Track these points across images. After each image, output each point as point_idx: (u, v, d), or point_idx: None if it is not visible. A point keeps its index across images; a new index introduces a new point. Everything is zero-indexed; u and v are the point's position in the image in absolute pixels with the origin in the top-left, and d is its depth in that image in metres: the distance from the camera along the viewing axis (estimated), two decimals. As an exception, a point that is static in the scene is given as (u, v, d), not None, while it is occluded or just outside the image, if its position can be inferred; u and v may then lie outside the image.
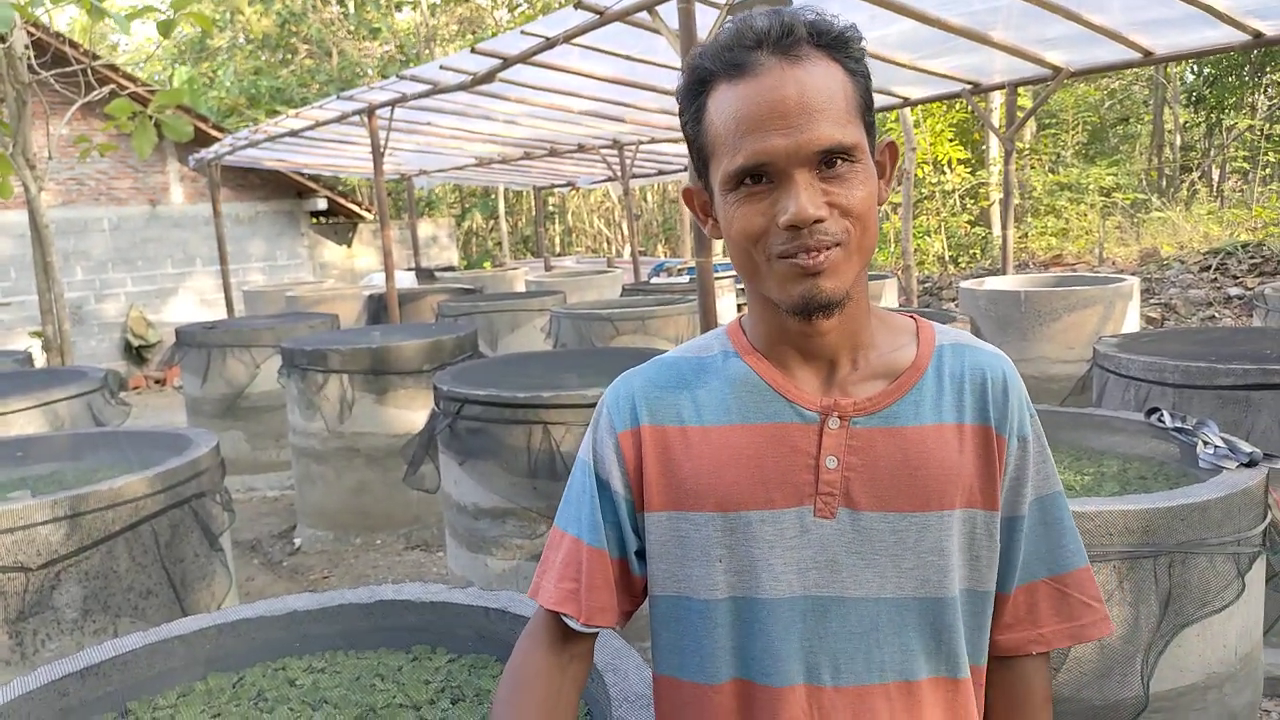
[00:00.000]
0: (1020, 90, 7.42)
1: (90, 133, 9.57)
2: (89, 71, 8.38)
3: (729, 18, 0.92)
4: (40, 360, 8.08)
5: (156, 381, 11.98)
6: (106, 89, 7.94)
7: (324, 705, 1.57)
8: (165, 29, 7.17)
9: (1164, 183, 16.82)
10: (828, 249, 0.87)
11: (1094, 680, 2.04)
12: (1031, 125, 16.43)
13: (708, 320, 4.02)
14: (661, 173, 13.06)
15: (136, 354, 12.20)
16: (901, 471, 0.94)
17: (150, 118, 7.33)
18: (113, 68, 10.97)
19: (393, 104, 6.98)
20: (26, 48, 6.92)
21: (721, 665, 0.97)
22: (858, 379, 0.97)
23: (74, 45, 11.01)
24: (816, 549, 0.94)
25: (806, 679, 0.95)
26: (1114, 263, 12.89)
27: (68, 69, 8.02)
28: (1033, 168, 16.61)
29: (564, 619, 1.00)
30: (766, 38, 0.87)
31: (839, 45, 0.90)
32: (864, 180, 0.89)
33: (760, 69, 0.87)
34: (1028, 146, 16.61)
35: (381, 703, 1.56)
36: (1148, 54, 6.06)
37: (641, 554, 1.03)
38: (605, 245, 23.78)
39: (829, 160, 0.87)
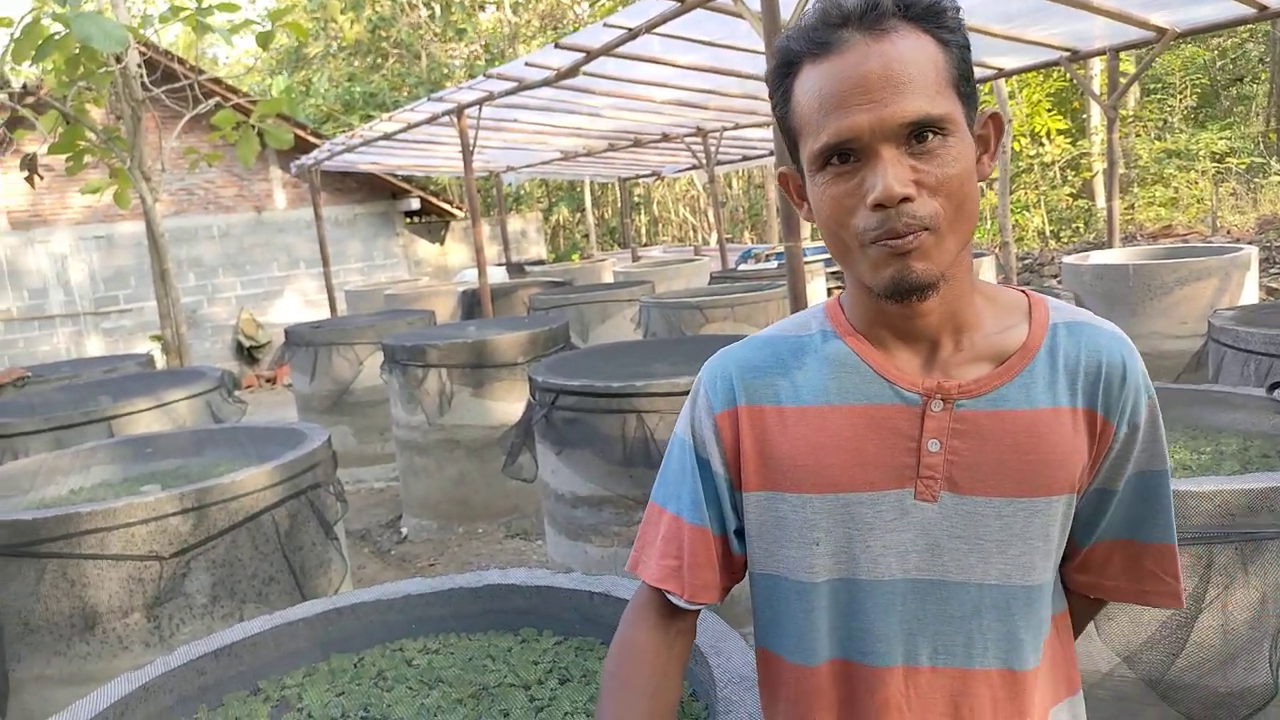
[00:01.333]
0: (1123, 55, 7.09)
1: (198, 144, 10.05)
2: (195, 86, 8.80)
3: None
4: (160, 362, 8.55)
5: (268, 380, 12.54)
6: (212, 101, 8.32)
7: (440, 684, 1.63)
8: (264, 40, 7.47)
9: (1284, 145, 15.83)
10: (916, 233, 0.84)
11: (1218, 667, 1.96)
12: (1135, 91, 15.68)
13: (797, 305, 3.98)
14: (746, 158, 12.95)
15: (248, 354, 12.78)
16: (1010, 456, 0.92)
17: (253, 127, 7.67)
18: (217, 81, 11.50)
19: (480, 103, 7.12)
20: (140, 66, 7.31)
21: (819, 646, 0.97)
22: (962, 360, 0.94)
23: (181, 61, 11.58)
24: (917, 532, 0.93)
25: (905, 660, 0.94)
26: (1229, 232, 12.22)
27: (176, 84, 8.44)
28: (1138, 135, 15.86)
29: (668, 596, 1.01)
30: (852, 15, 0.86)
31: (930, 15, 0.86)
32: (958, 155, 0.86)
33: (844, 46, 0.85)
34: (1132, 113, 15.86)
35: (494, 682, 1.62)
36: (1262, 9, 5.71)
37: (741, 532, 1.03)
38: (691, 234, 23.74)
39: (919, 134, 0.84)
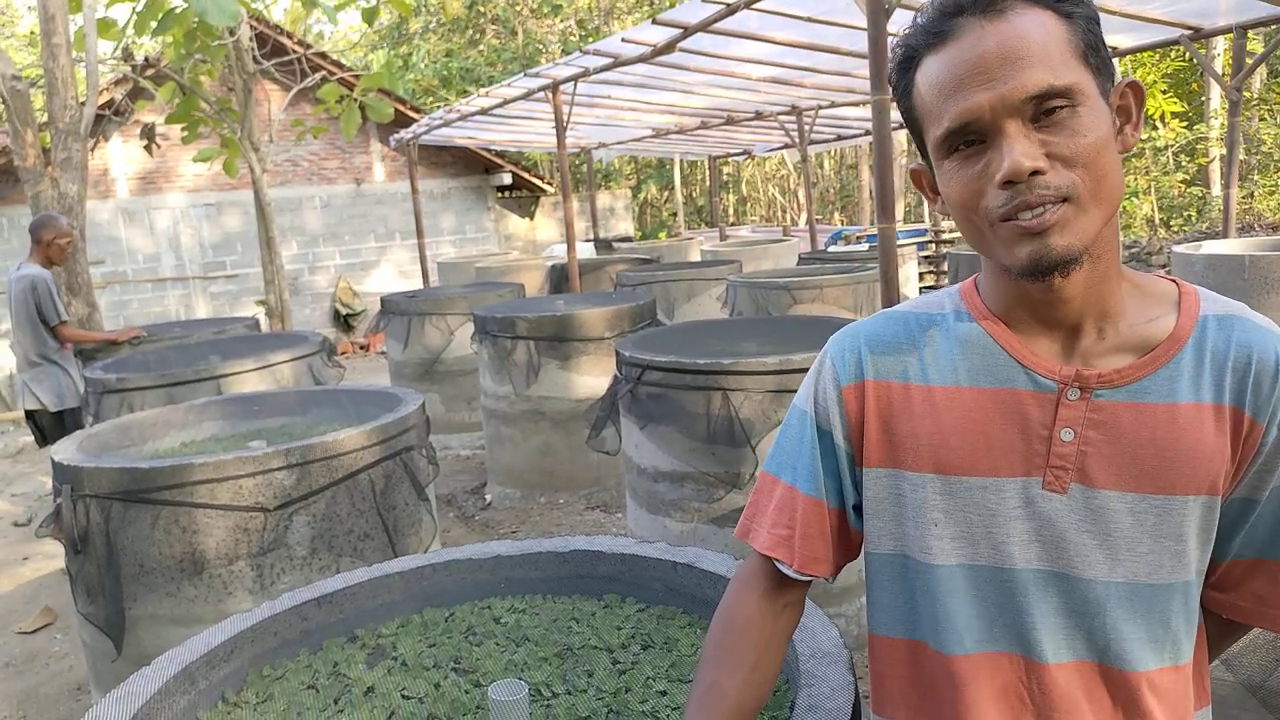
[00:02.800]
0: (1250, 33, 6.70)
1: (303, 117, 10.40)
2: (303, 60, 9.09)
3: None
4: (264, 326, 8.93)
5: (361, 348, 12.96)
6: (318, 75, 8.59)
7: (526, 642, 1.68)
8: (369, 16, 7.67)
9: None
10: (1053, 203, 0.82)
11: (1324, 675, 1.88)
12: (1261, 72, 14.78)
13: (889, 289, 3.92)
14: (840, 138, 12.72)
15: (344, 321, 13.23)
16: (1148, 450, 0.88)
17: (356, 101, 7.89)
18: (323, 55, 11.86)
19: (575, 79, 7.16)
20: (251, 40, 7.59)
21: (951, 634, 0.95)
22: (1104, 349, 0.91)
23: (289, 36, 11.96)
24: (1042, 522, 0.91)
25: (1023, 650, 0.92)
26: (1359, 224, 11.47)
27: (285, 58, 8.74)
28: (1262, 119, 14.97)
29: (778, 565, 1.01)
30: (968, 2, 0.84)
31: None
32: (1092, 124, 0.82)
33: (961, 32, 0.84)
34: (1256, 96, 14.97)
35: (578, 643, 1.66)
36: None
37: (859, 508, 1.03)
38: (780, 214, 23.48)
39: (1046, 107, 0.81)
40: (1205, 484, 0.89)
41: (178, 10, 6.39)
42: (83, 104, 6.80)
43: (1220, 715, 1.99)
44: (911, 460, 0.96)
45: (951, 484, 0.94)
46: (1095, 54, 0.85)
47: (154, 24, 6.44)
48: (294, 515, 2.62)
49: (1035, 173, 0.81)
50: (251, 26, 8.18)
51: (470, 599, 1.88)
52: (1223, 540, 0.95)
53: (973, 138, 0.85)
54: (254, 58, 7.63)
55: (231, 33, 7.21)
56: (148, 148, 8.07)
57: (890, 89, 0.95)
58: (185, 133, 7.74)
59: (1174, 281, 0.96)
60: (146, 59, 9.97)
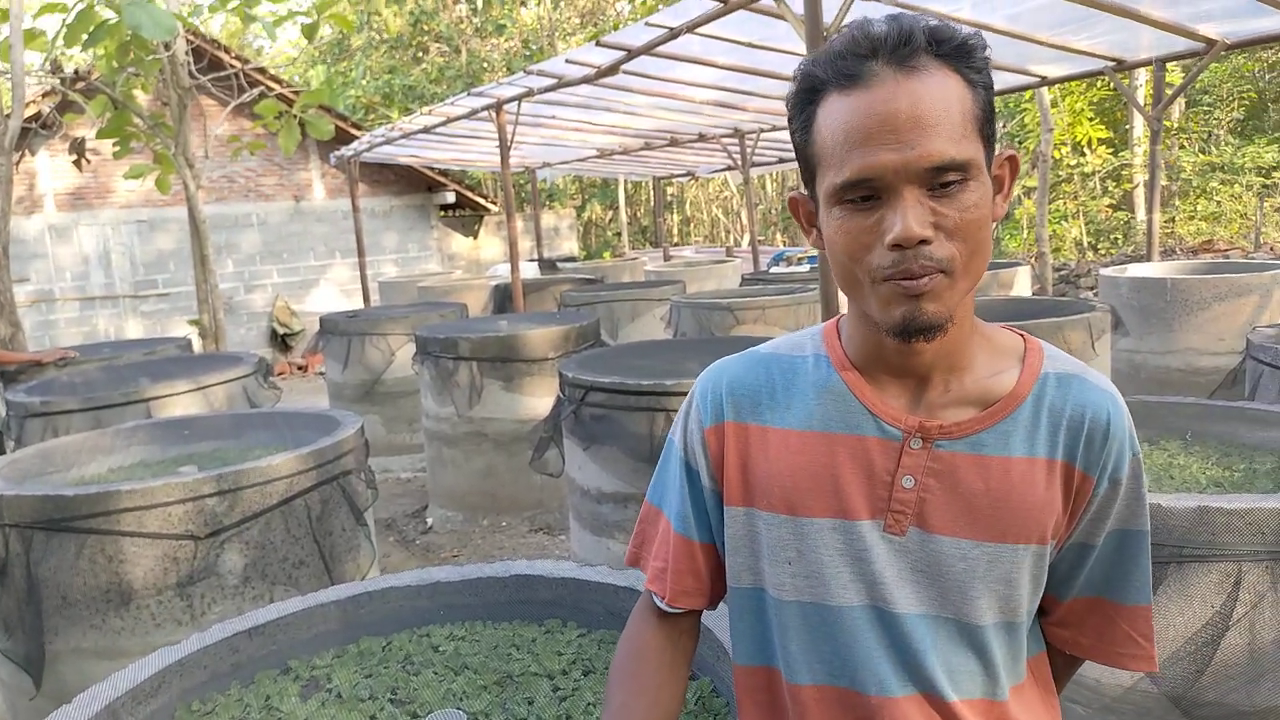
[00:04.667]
0: (1169, 66, 6.99)
1: (240, 133, 10.21)
2: (240, 75, 8.94)
3: (844, 25, 0.88)
4: (197, 346, 8.70)
5: (299, 368, 12.70)
6: (256, 91, 8.45)
7: (465, 670, 1.66)
8: (309, 32, 7.57)
9: (1332, 161, 15.49)
10: (931, 274, 0.85)
11: (1242, 685, 1.95)
12: (1180, 102, 15.42)
13: (829, 310, 3.98)
14: (782, 160, 12.91)
15: (282, 342, 12.96)
16: (982, 500, 0.93)
17: (295, 117, 7.78)
18: (261, 70, 11.67)
19: (519, 98, 7.16)
20: (187, 54, 7.43)
21: (799, 666, 0.99)
22: (949, 401, 0.95)
23: (227, 51, 11.76)
24: (883, 563, 0.95)
25: (858, 686, 0.96)
26: (1272, 249, 12.00)
27: (222, 73, 8.58)
28: (1182, 147, 15.60)
29: (654, 598, 1.06)
30: (882, 46, 0.84)
31: (960, 55, 0.86)
32: (977, 200, 0.86)
33: (873, 80, 0.84)
34: (1176, 125, 15.60)
35: (518, 670, 1.65)
36: (1315, 22, 5.61)
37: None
38: (724, 235, 23.71)
39: (941, 179, 0.84)
40: (1036, 534, 0.94)
41: (110, 22, 6.24)
42: (7, 116, 6.58)
43: (1147, 727, 2.04)
44: (766, 500, 0.99)
45: (802, 525, 0.97)
46: (989, 124, 0.89)
47: (85, 36, 6.28)
48: (226, 543, 2.56)
49: (923, 241, 0.84)
50: (188, 40, 8.02)
51: (408, 627, 1.85)
52: (1064, 582, 1.01)
53: (868, 193, 0.86)
54: (190, 72, 7.47)
55: (166, 46, 7.06)
56: (77, 163, 7.84)
57: (788, 116, 0.95)
58: (117, 148, 7.54)
59: (1022, 336, 1.01)
60: (77, 72, 9.69)
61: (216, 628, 1.72)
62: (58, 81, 8.48)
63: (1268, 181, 13.98)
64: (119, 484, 2.53)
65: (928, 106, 0.83)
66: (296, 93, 8.89)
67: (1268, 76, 16.86)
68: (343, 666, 1.71)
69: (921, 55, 0.84)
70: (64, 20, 6.28)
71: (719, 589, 1.08)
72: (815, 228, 0.97)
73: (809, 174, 0.94)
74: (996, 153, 0.92)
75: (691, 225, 24.85)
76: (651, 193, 17.08)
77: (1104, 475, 0.95)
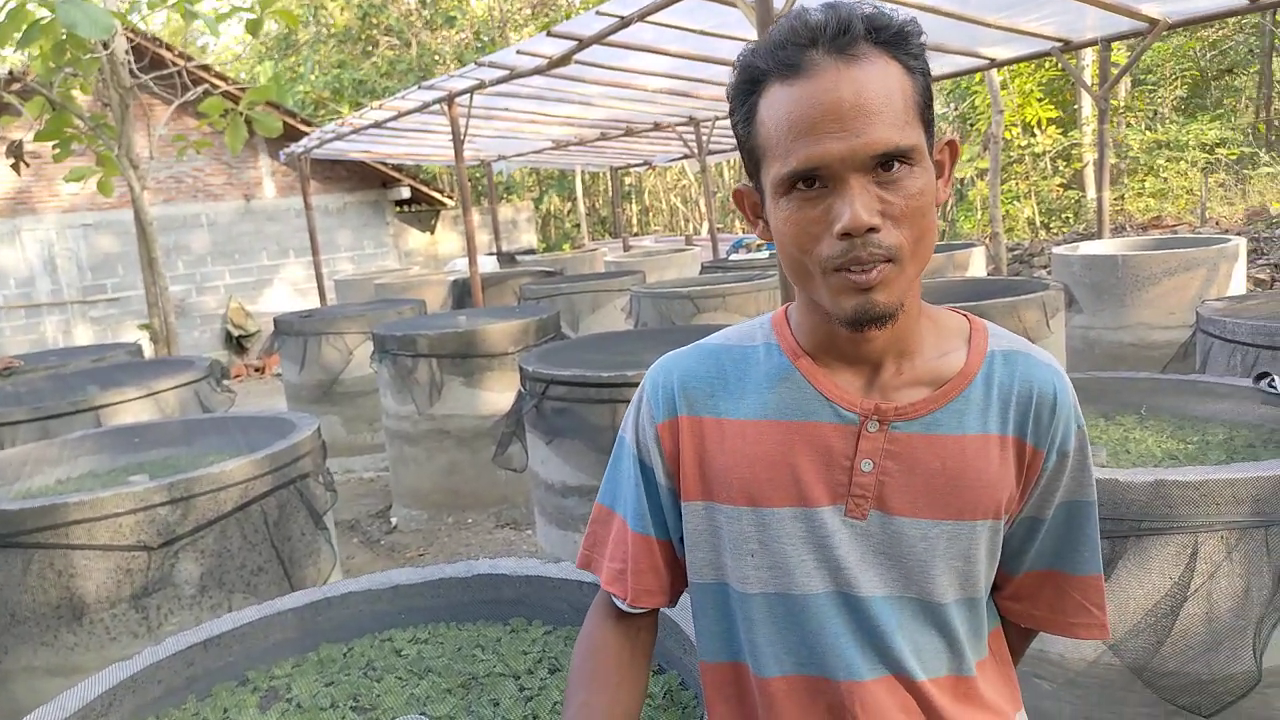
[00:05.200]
0: (1114, 45, 7.09)
1: (186, 132, 9.98)
2: (184, 73, 8.73)
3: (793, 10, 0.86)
4: (149, 351, 8.51)
5: (256, 369, 12.49)
6: (200, 89, 8.26)
7: (429, 674, 1.63)
8: (253, 27, 7.41)
9: (1273, 136, 15.88)
10: (880, 264, 0.85)
11: (1201, 654, 1.98)
12: (1126, 81, 15.69)
13: (788, 295, 3.99)
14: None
15: (237, 343, 12.73)
16: (939, 479, 0.94)
17: (241, 115, 7.61)
18: (205, 68, 11.40)
19: (471, 91, 7.08)
20: (127, 53, 7.24)
21: (767, 657, 0.98)
22: (901, 383, 0.96)
23: (169, 48, 11.49)
24: (846, 548, 0.95)
25: (827, 672, 0.96)
26: (1218, 223, 12.27)
27: (165, 71, 8.37)
28: (1129, 125, 15.89)
29: (614, 599, 1.05)
30: (821, 34, 0.84)
31: (898, 42, 0.86)
32: (922, 186, 0.86)
33: (814, 69, 0.84)
34: (1123, 104, 15.88)
35: (483, 672, 1.62)
36: (1253, 0, 5.73)
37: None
38: (682, 223, 23.72)
39: (886, 164, 0.84)
40: (991, 509, 0.96)
41: (44, 21, 6.05)
42: (-61, 121, 6.36)
43: (1107, 698, 2.07)
44: (725, 493, 0.98)
45: (764, 515, 0.97)
46: (928, 110, 0.89)
47: (18, 35, 6.08)
48: (180, 552, 2.49)
49: (871, 229, 0.84)
50: (128, 38, 7.81)
51: (369, 632, 1.82)
52: (1016, 555, 1.02)
53: (815, 180, 0.86)
54: (131, 71, 7.28)
55: (105, 45, 6.87)
56: (15, 166, 7.61)
57: (729, 108, 0.94)
58: (57, 150, 7.33)
59: (965, 316, 1.02)
60: (11, 72, 9.41)
61: (170, 640, 1.67)
62: (-9, 83, 8.22)
63: (1211, 158, 14.29)
64: (67, 496, 2.45)
65: (871, 94, 0.83)
66: (243, 89, 8.70)
67: (1209, 55, 17.23)
68: (302, 675, 1.67)
69: (861, 43, 0.85)
70: (-5, 19, 6.08)
71: (678, 585, 1.07)
72: (761, 219, 0.96)
73: (753, 165, 0.93)
74: (936, 138, 0.93)
75: (650, 214, 24.83)
76: (609, 183, 17.03)
77: (1053, 448, 0.97)
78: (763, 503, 0.96)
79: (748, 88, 0.90)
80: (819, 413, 0.96)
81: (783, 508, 0.96)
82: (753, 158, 0.92)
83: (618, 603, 1.05)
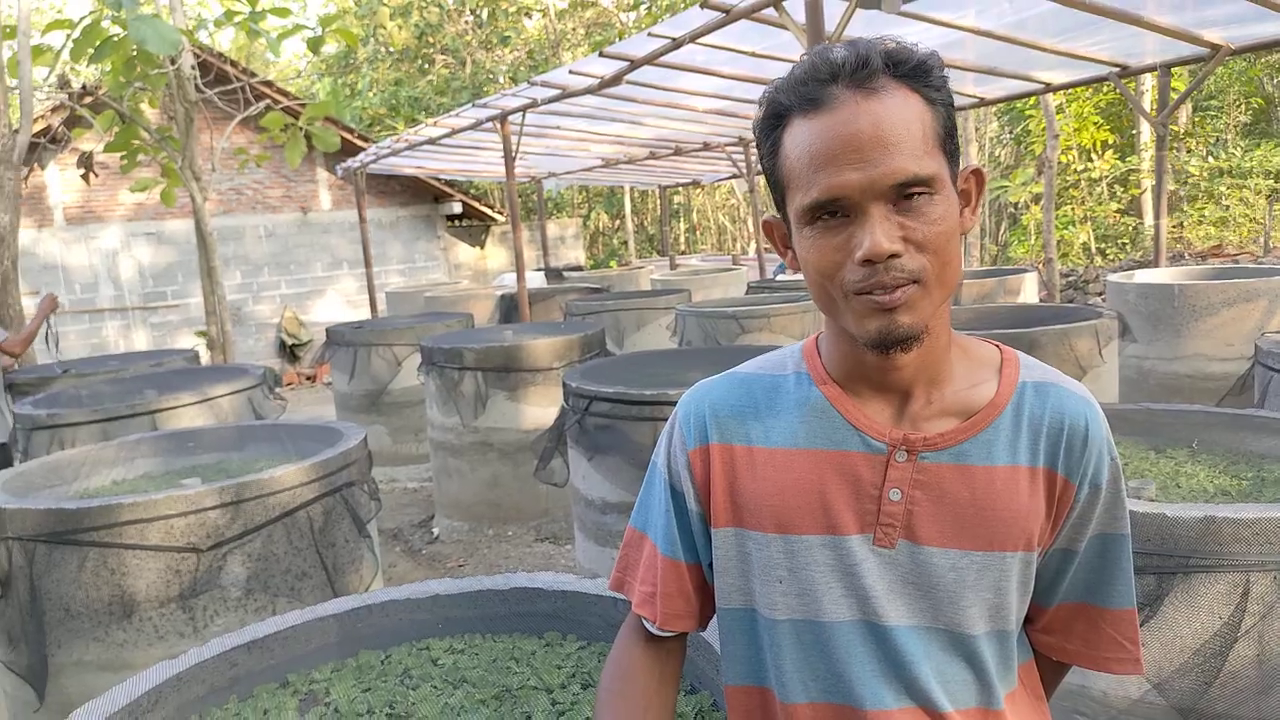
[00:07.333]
0: (1174, 71, 6.96)
1: (247, 145, 10.26)
2: (247, 88, 8.99)
3: (845, 34, 0.88)
4: (205, 358, 8.73)
5: (308, 378, 12.73)
6: (262, 104, 8.49)
7: (464, 684, 1.65)
8: (314, 45, 7.61)
9: (1341, 164, 15.41)
10: (904, 286, 0.86)
11: (1252, 697, 1.92)
12: (1187, 107, 15.38)
13: (835, 317, 3.97)
14: (788, 168, 12.89)
15: (290, 352, 13.00)
16: (968, 510, 0.94)
17: (300, 129, 7.81)
18: (268, 83, 11.72)
19: (524, 109, 7.18)
20: (193, 68, 7.48)
21: (794, 684, 0.98)
22: (931, 414, 0.96)
23: (233, 64, 11.83)
24: (874, 577, 0.95)
25: (852, 701, 0.95)
26: (1282, 252, 11.93)
27: (228, 87, 8.63)
28: (1189, 151, 15.55)
29: (644, 622, 1.06)
30: (842, 70, 0.86)
31: (917, 74, 0.88)
32: (943, 213, 0.88)
33: (835, 103, 0.86)
34: (1183, 129, 15.56)
35: (517, 684, 1.64)
36: (1320, 26, 5.59)
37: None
38: (730, 243, 23.71)
39: (906, 193, 0.86)
40: (1022, 541, 0.95)
41: (116, 38, 6.28)
42: (16, 131, 6.63)
43: (1155, 739, 2.02)
44: (755, 520, 0.99)
45: (793, 543, 0.97)
46: (951, 140, 0.91)
47: (91, 51, 6.32)
48: (228, 555, 2.55)
49: (893, 255, 0.86)
50: (195, 55, 8.07)
51: (408, 640, 1.84)
52: (1049, 588, 1.02)
53: (837, 210, 0.88)
54: (196, 85, 7.52)
55: (172, 61, 7.11)
56: (85, 176, 7.89)
57: (756, 141, 0.97)
58: (124, 161, 7.59)
59: (997, 347, 1.02)
60: (84, 86, 9.77)
61: (215, 642, 1.71)
62: (65, 96, 8.55)
63: (1276, 185, 13.92)
64: (121, 497, 2.53)
65: (889, 126, 0.85)
66: (303, 105, 8.93)
67: (1275, 80, 16.81)
68: (341, 680, 1.70)
69: (880, 77, 0.87)
70: (70, 36, 6.33)
71: (708, 610, 1.08)
72: (790, 249, 0.98)
73: (779, 197, 0.95)
74: (961, 167, 0.94)
75: (698, 233, 24.87)
76: (658, 201, 17.10)
77: (1085, 481, 0.97)
78: (792, 530, 0.97)
79: (772, 122, 0.92)
80: (848, 442, 0.96)
81: (812, 535, 0.96)
82: (778, 190, 0.95)
83: (647, 625, 1.06)
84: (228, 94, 9.18)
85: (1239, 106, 16.00)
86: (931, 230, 0.87)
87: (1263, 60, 15.91)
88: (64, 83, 8.48)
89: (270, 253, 13.02)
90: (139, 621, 2.51)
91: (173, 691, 1.59)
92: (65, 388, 4.75)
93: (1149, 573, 1.95)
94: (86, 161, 7.86)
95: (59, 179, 11.52)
